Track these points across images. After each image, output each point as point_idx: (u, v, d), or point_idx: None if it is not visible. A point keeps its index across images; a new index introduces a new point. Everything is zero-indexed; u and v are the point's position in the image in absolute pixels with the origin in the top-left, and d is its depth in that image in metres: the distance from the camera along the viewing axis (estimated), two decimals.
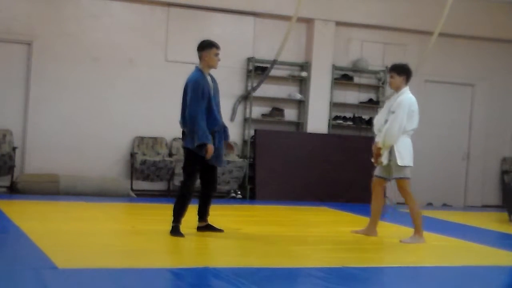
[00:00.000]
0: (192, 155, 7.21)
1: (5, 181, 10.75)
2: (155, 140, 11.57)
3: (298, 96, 12.27)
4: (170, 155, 11.56)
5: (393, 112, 7.68)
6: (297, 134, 12.36)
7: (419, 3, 12.56)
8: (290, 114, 12.37)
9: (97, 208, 9.39)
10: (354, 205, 10.99)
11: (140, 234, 7.40)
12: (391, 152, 7.68)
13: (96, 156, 11.24)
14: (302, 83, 12.39)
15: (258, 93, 11.98)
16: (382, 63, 12.68)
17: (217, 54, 7.32)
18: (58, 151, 11.06)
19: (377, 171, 7.90)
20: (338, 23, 12.40)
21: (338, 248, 7.24)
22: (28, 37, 10.97)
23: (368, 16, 12.46)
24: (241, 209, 10.47)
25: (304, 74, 12.26)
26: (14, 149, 10.73)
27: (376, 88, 12.72)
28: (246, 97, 12.05)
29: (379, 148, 7.71)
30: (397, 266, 6.46)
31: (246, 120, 12.05)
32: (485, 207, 13.31)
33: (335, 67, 12.40)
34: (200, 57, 7.33)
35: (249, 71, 12.04)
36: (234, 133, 11.55)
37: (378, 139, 7.75)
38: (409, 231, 8.70)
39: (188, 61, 10.79)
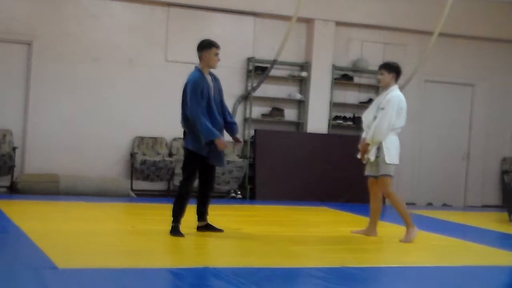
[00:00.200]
0: (192, 155, 7.22)
1: (5, 181, 10.75)
2: (155, 140, 11.57)
3: (298, 96, 12.27)
4: (170, 155, 11.56)
5: (382, 109, 7.73)
6: (297, 134, 12.36)
7: (419, 3, 12.56)
8: (290, 114, 12.37)
9: (97, 208, 9.39)
10: (354, 205, 10.99)
11: (140, 234, 7.40)
12: (379, 148, 7.71)
13: (96, 156, 11.24)
14: (302, 83, 12.39)
15: (258, 93, 11.99)
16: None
17: (217, 54, 7.30)
18: (58, 151, 11.06)
19: (367, 171, 7.94)
20: (338, 23, 12.41)
21: (338, 248, 7.24)
22: (28, 37, 10.98)
23: (368, 16, 12.46)
24: (241, 209, 10.46)
25: (304, 74, 12.26)
26: (14, 149, 10.74)
27: (376, 88, 12.71)
28: (246, 97, 12.05)
29: (367, 144, 7.76)
30: (397, 266, 6.46)
31: (246, 120, 12.06)
32: (485, 207, 13.31)
33: (335, 67, 12.40)
34: (200, 57, 7.32)
35: (249, 71, 12.04)
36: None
37: (366, 136, 7.81)
38: None
39: (188, 61, 10.78)
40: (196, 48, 7.37)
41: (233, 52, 11.62)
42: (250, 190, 11.86)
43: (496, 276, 6.35)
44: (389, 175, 7.75)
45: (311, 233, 8.17)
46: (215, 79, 7.39)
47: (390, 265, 6.54)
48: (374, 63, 12.44)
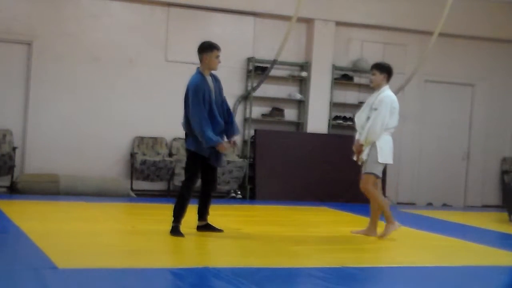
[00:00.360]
0: (194, 156, 7.25)
1: (5, 181, 10.75)
2: (155, 140, 11.57)
3: (298, 96, 12.27)
4: (170, 155, 11.56)
5: (375, 109, 7.78)
6: (297, 134, 12.36)
7: (419, 3, 12.56)
8: (290, 114, 12.37)
9: (97, 208, 9.39)
10: (354, 205, 10.98)
11: (140, 234, 7.40)
12: (371, 147, 7.73)
13: (96, 156, 11.24)
14: (302, 83, 12.39)
15: (258, 93, 11.98)
16: None
17: (217, 56, 7.32)
18: (58, 151, 11.06)
19: (364, 172, 7.96)
20: (338, 23, 12.41)
21: (338, 248, 7.24)
22: (28, 37, 10.98)
23: (368, 16, 12.46)
24: (241, 209, 10.47)
25: (304, 74, 12.26)
26: (14, 149, 10.74)
27: None
28: (246, 97, 12.05)
29: (361, 145, 7.80)
30: (397, 266, 6.46)
31: (246, 120, 12.06)
32: (485, 207, 13.31)
33: (335, 67, 12.40)
34: (201, 59, 7.32)
35: (249, 71, 12.04)
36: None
37: (359, 137, 7.87)
38: (409, 231, 8.73)
39: (188, 61, 10.80)
40: (196, 49, 7.37)
41: (233, 52, 11.62)
42: (250, 190, 11.86)
43: (496, 276, 6.35)
44: (375, 174, 7.80)
45: (311, 233, 8.17)
46: (216, 80, 7.41)
47: (390, 265, 6.54)
48: None
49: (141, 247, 6.62)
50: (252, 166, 11.92)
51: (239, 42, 11.95)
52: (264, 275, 5.54)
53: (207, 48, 7.31)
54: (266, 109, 12.19)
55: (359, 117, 8.00)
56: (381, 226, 8.24)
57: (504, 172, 13.49)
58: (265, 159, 11.89)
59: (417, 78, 12.43)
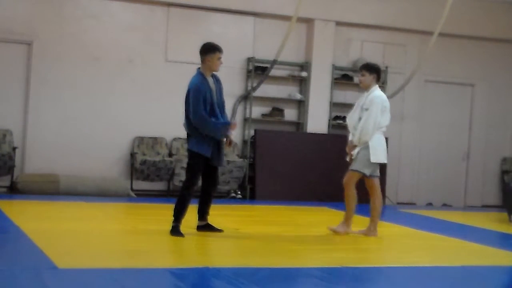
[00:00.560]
0: (196, 156, 7.26)
1: (5, 181, 10.75)
2: (155, 140, 11.57)
3: (298, 96, 12.27)
4: (170, 155, 11.56)
5: (366, 109, 7.85)
6: (297, 134, 12.36)
7: (419, 3, 12.56)
8: (290, 114, 12.37)
9: (97, 208, 9.39)
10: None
11: (140, 234, 7.41)
12: (364, 147, 7.80)
13: (96, 156, 11.24)
14: (302, 83, 12.39)
15: (258, 93, 11.98)
16: (382, 63, 12.67)
17: (219, 58, 7.34)
18: (58, 151, 11.06)
19: (350, 168, 7.99)
20: (338, 23, 12.40)
21: (338, 248, 7.25)
22: (28, 37, 10.98)
23: (368, 16, 12.46)
24: (241, 209, 10.47)
25: (304, 74, 12.26)
26: (14, 149, 10.73)
27: None
28: (246, 97, 12.05)
29: (355, 146, 7.87)
30: (397, 266, 6.46)
31: (246, 120, 12.06)
32: (485, 207, 13.31)
33: (335, 67, 12.40)
34: (203, 60, 7.33)
35: (249, 71, 12.04)
36: (234, 133, 11.53)
37: (352, 138, 7.95)
38: (409, 231, 8.73)
39: (188, 61, 10.81)
40: (198, 49, 7.38)
41: (233, 52, 11.59)
42: (250, 190, 11.86)
43: (496, 276, 6.35)
44: (360, 172, 7.84)
45: (311, 233, 8.17)
46: (217, 80, 7.43)
47: (390, 265, 6.54)
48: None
49: (141, 247, 6.62)
50: (252, 166, 11.92)
51: (239, 42, 11.95)
52: (264, 275, 5.55)
53: (210, 50, 7.32)
54: (266, 109, 12.19)
55: (351, 118, 8.09)
56: (381, 226, 8.25)
57: (504, 172, 13.49)
58: (265, 159, 11.89)
59: (417, 78, 12.43)
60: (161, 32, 11.61)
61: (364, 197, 8.20)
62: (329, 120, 12.39)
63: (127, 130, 11.43)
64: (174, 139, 11.58)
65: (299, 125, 12.42)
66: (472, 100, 13.51)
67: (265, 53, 11.98)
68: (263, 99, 12.15)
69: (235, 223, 8.45)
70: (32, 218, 8.09)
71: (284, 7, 11.79)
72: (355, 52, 12.66)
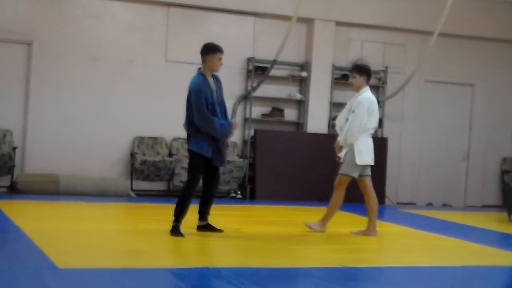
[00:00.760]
0: (197, 157, 7.26)
1: (5, 181, 10.75)
2: (155, 140, 11.57)
3: (298, 96, 12.27)
4: (170, 155, 11.56)
5: (353, 111, 7.84)
6: (297, 134, 12.36)
7: (419, 3, 12.56)
8: (290, 114, 12.37)
9: (97, 208, 9.39)
10: (354, 205, 10.94)
11: (140, 234, 7.41)
12: (349, 150, 7.83)
13: (96, 156, 11.24)
14: (302, 83, 12.39)
15: (258, 93, 11.98)
16: (382, 63, 12.71)
17: (220, 59, 7.35)
18: (58, 151, 11.06)
19: (339, 172, 8.03)
20: (338, 23, 12.40)
21: (338, 248, 7.25)
22: (28, 37, 10.97)
23: (368, 16, 12.46)
24: (241, 209, 10.46)
25: (304, 74, 12.26)
26: (14, 149, 10.73)
27: (376, 88, 12.70)
28: (246, 97, 12.05)
29: (341, 147, 7.91)
30: (397, 266, 6.46)
31: (246, 120, 12.06)
32: (485, 207, 13.31)
33: (335, 67, 12.40)
34: (203, 61, 7.34)
35: (249, 71, 12.04)
36: (234, 133, 11.53)
37: (339, 138, 7.96)
38: (409, 231, 8.73)
39: (188, 61, 10.82)
40: (198, 49, 7.39)
41: (233, 52, 11.58)
42: (250, 190, 11.86)
43: (496, 276, 6.36)
44: (350, 176, 7.86)
45: (311, 233, 8.16)
46: (217, 80, 7.44)
47: (390, 265, 6.54)
48: (374, 63, 12.46)
49: (141, 247, 6.62)
50: (252, 166, 11.92)
51: (239, 42, 11.95)
52: (264, 275, 5.55)
53: (210, 50, 7.32)
54: (266, 109, 12.19)
55: (339, 119, 8.14)
56: (381, 226, 8.26)
57: (504, 172, 13.50)
58: (265, 159, 11.89)
59: (417, 78, 12.43)
60: (161, 32, 11.61)
61: (360, 198, 8.22)
62: (329, 120, 12.39)
63: (127, 130, 11.43)
64: (174, 139, 11.58)
65: (299, 125, 12.42)
66: (472, 100, 13.51)
67: (265, 53, 11.98)
68: (263, 99, 12.15)
69: (235, 223, 8.45)
70: (32, 218, 8.10)
71: (284, 7, 11.79)
72: (355, 52, 12.66)
